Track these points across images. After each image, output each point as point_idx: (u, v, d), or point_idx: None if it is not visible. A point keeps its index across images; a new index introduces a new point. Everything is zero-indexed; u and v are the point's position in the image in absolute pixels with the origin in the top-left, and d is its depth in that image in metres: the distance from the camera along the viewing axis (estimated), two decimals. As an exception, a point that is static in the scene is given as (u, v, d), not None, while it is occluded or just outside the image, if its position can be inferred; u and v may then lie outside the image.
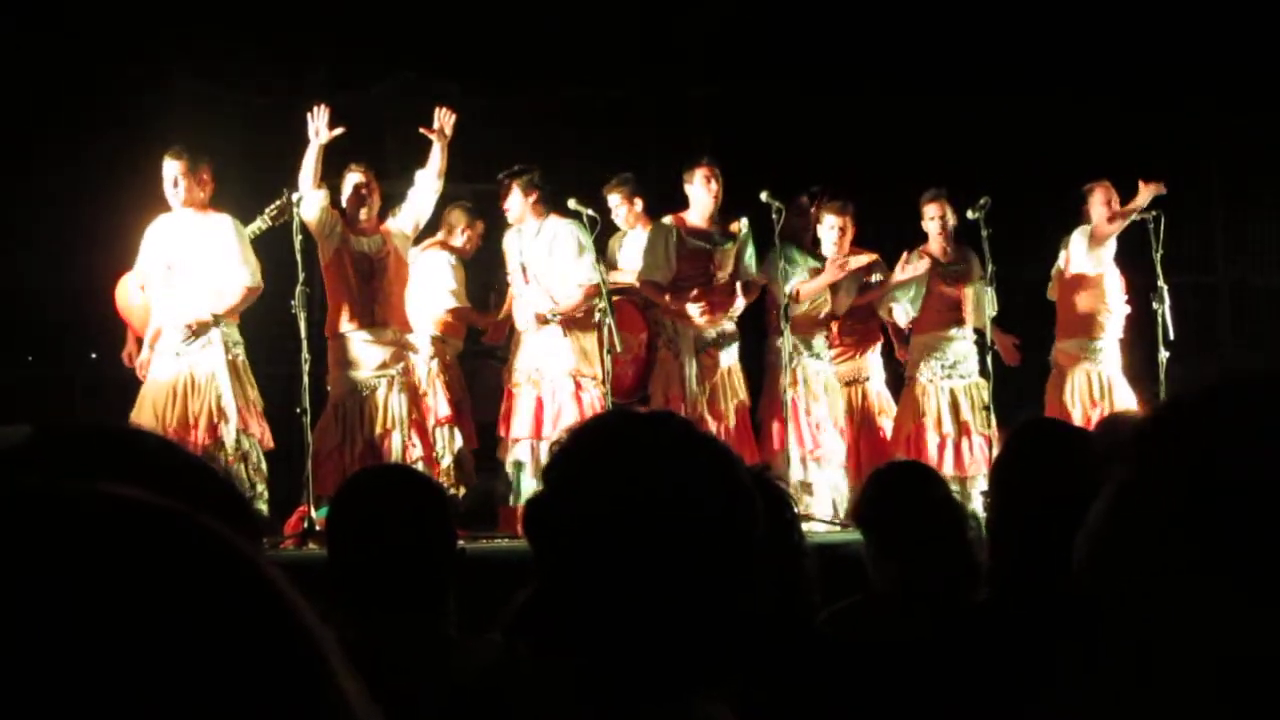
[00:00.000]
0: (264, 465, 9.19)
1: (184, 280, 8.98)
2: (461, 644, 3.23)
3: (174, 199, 8.95)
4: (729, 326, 10.15)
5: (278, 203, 9.29)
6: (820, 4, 12.26)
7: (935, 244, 10.56)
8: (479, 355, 10.85)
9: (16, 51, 10.38)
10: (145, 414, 8.84)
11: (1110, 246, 10.62)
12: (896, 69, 12.27)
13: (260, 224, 9.44)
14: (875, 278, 10.63)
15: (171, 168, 8.92)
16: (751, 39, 12.21)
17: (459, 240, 10.25)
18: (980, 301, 10.30)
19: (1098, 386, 10.54)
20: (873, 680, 3.41)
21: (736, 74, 12.24)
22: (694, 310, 9.92)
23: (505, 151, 10.30)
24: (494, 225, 10.23)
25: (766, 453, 10.06)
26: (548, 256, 9.80)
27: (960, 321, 10.55)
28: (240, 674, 0.81)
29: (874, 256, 10.68)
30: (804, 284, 10.17)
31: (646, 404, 9.77)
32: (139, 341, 9.19)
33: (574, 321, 9.80)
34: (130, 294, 9.27)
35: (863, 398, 10.69)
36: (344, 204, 9.41)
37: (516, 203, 9.90)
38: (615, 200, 10.38)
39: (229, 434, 9.02)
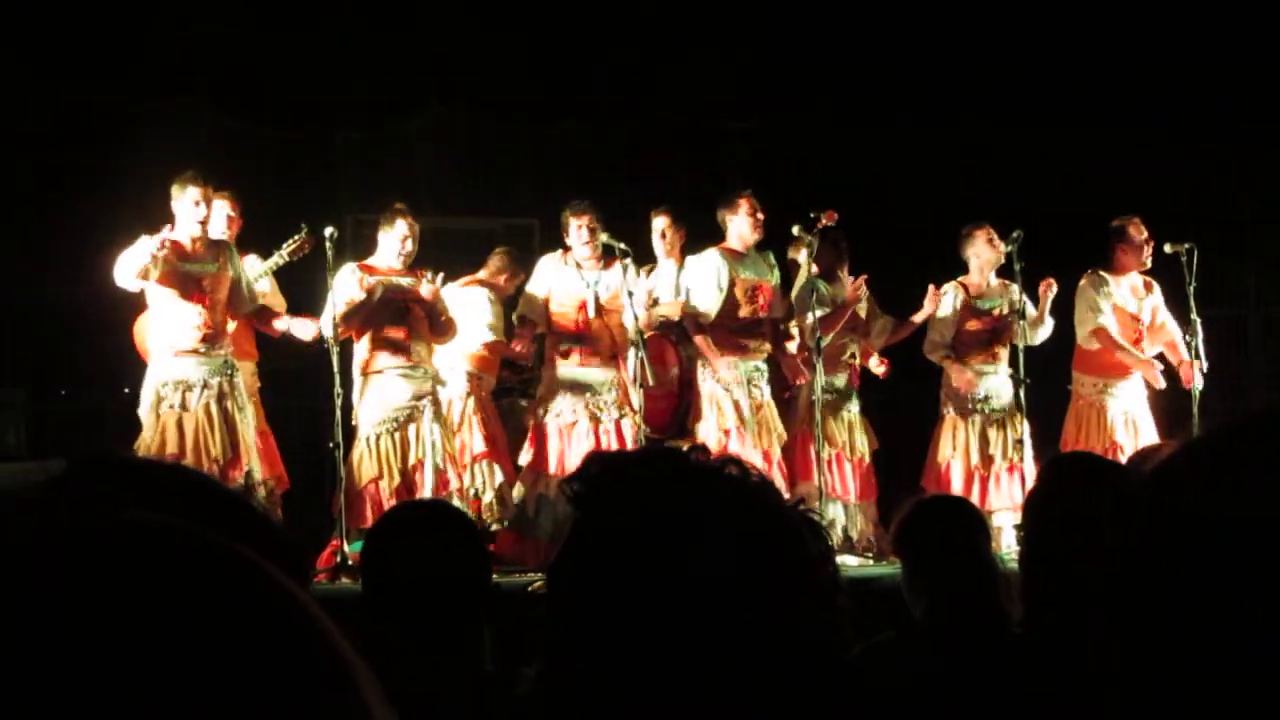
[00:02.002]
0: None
1: (213, 303, 9.01)
2: (496, 677, 3.22)
3: (193, 222, 8.94)
4: (763, 361, 10.12)
5: (295, 238, 9.32)
6: (852, 37, 12.26)
7: (974, 274, 10.53)
8: (509, 393, 10.81)
9: (51, 99, 10.46)
10: (171, 446, 8.84)
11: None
12: (929, 102, 12.27)
13: (277, 259, 9.47)
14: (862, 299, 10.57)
15: (193, 192, 8.90)
16: (785, 71, 12.22)
17: (501, 283, 10.28)
18: (1020, 334, 10.23)
19: (1110, 420, 10.48)
20: (907, 714, 3.39)
21: (770, 107, 12.25)
22: (728, 359, 9.91)
23: (537, 184, 10.29)
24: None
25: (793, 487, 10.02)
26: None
27: (994, 356, 10.51)
28: (275, 701, 0.82)
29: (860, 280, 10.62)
30: (824, 322, 10.03)
31: (686, 438, 9.74)
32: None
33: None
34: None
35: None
36: (379, 244, 9.43)
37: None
38: (661, 224, 10.25)
39: (255, 464, 9.07)
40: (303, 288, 9.67)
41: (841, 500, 10.28)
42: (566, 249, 9.76)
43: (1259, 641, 0.99)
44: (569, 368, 9.71)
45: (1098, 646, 1.11)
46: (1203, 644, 1.02)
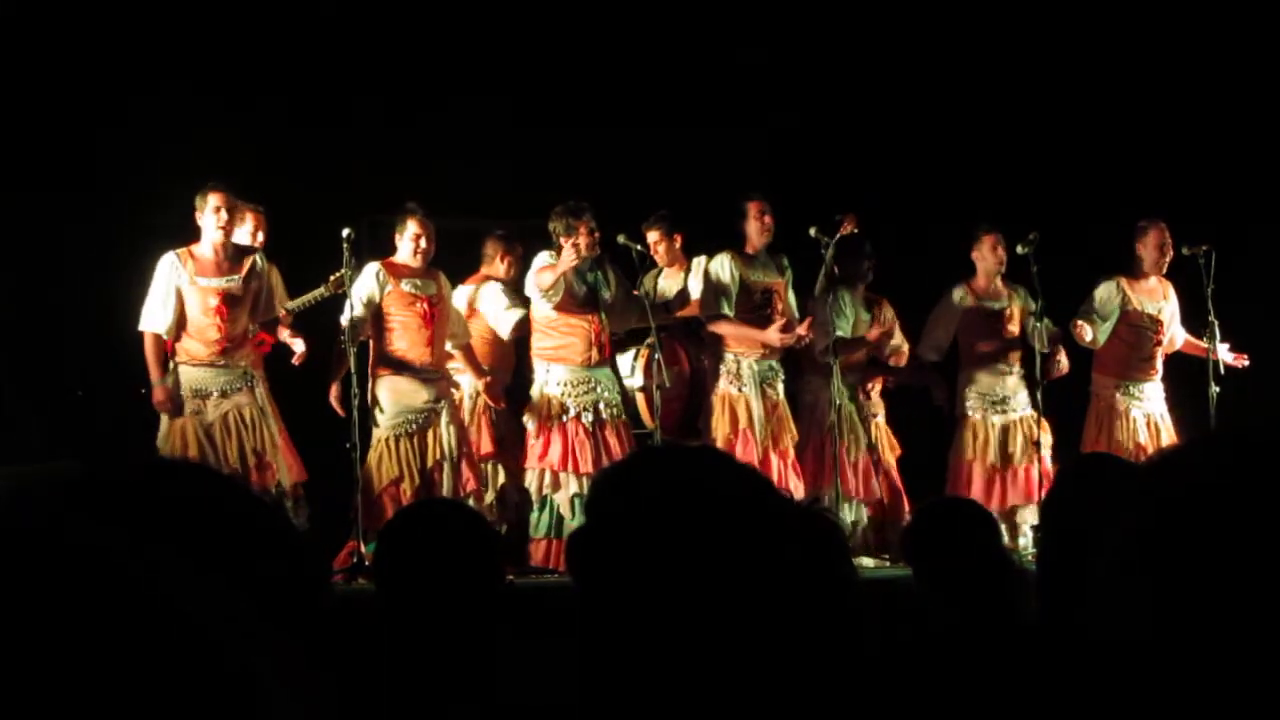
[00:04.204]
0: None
1: (233, 317, 9.04)
2: (509, 677, 3.22)
3: (216, 235, 8.98)
4: (778, 359, 10.15)
5: (336, 275, 9.33)
6: (868, 41, 12.24)
7: (980, 277, 10.57)
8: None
9: (55, 94, 10.48)
10: (191, 450, 8.87)
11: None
12: (946, 102, 12.24)
13: (321, 292, 9.49)
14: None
15: (215, 200, 8.95)
16: (793, 72, 12.20)
17: (501, 269, 10.21)
18: (1036, 336, 10.23)
19: (1134, 422, 10.49)
20: (920, 714, 3.38)
21: (781, 107, 12.22)
22: (773, 334, 9.89)
23: (553, 185, 10.27)
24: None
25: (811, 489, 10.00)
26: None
27: (1006, 358, 10.53)
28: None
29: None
30: (843, 345, 10.11)
31: (698, 438, 9.76)
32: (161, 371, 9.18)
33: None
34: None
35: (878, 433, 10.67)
36: (397, 246, 9.44)
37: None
38: (653, 238, 10.41)
39: (282, 469, 9.10)
40: (316, 284, 9.70)
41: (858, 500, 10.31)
42: (559, 249, 9.63)
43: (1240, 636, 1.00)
44: (569, 367, 9.71)
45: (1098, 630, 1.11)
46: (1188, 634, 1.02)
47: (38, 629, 0.84)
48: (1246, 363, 10.43)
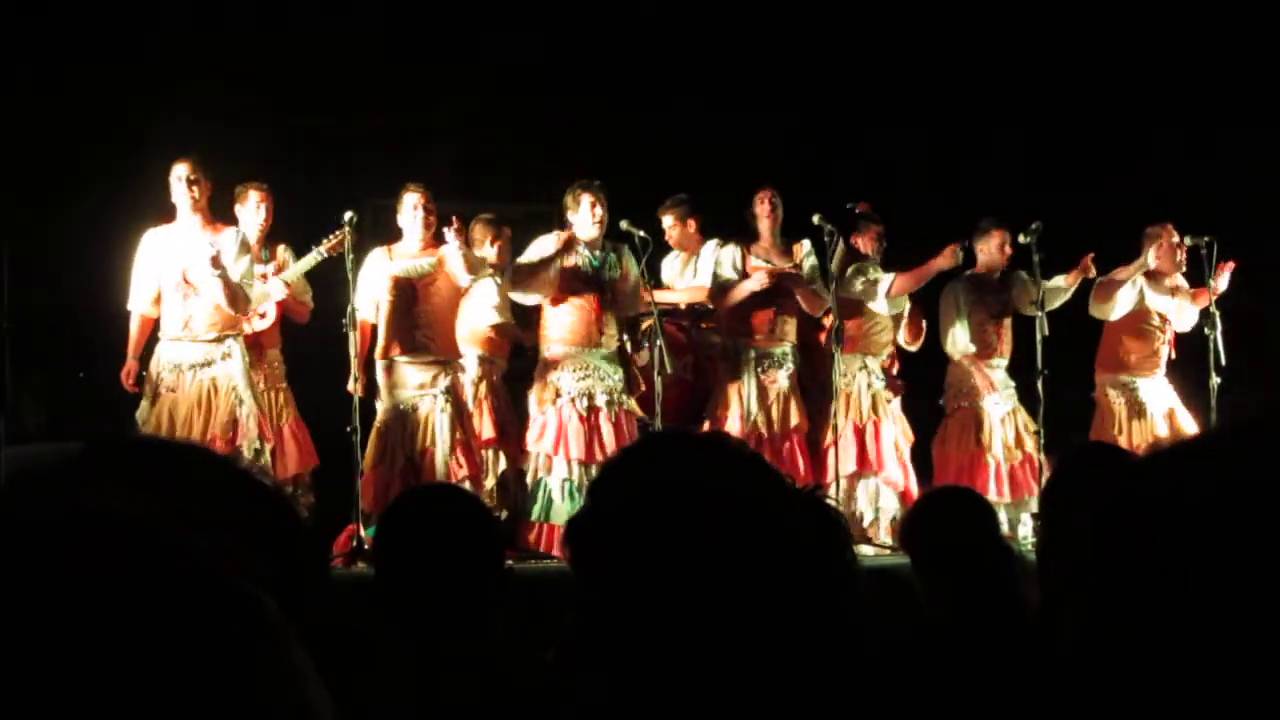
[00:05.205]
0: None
1: (200, 293, 9.02)
2: (508, 662, 3.22)
3: (184, 202, 8.97)
4: (787, 348, 10.12)
5: (335, 235, 9.31)
6: (872, 33, 12.23)
7: (981, 270, 10.59)
8: (521, 378, 10.72)
9: (62, 77, 10.47)
10: (174, 429, 8.86)
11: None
12: (949, 94, 12.23)
13: (317, 255, 9.48)
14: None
15: (180, 170, 8.95)
16: (796, 68, 12.20)
17: (492, 254, 10.12)
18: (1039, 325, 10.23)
19: (1143, 418, 10.50)
20: (923, 705, 3.39)
21: (796, 101, 12.23)
22: (758, 276, 9.93)
23: (557, 170, 10.26)
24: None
25: (824, 477, 9.95)
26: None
27: (1002, 351, 10.56)
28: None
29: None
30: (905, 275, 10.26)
31: (700, 425, 9.75)
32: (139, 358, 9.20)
33: None
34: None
35: None
36: (399, 223, 9.43)
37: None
38: (669, 221, 10.37)
39: (248, 443, 9.03)
40: (322, 275, 9.69)
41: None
42: (566, 227, 9.68)
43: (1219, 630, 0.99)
44: (568, 350, 9.70)
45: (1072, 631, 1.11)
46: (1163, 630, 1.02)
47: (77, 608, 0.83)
48: (1232, 266, 10.43)
